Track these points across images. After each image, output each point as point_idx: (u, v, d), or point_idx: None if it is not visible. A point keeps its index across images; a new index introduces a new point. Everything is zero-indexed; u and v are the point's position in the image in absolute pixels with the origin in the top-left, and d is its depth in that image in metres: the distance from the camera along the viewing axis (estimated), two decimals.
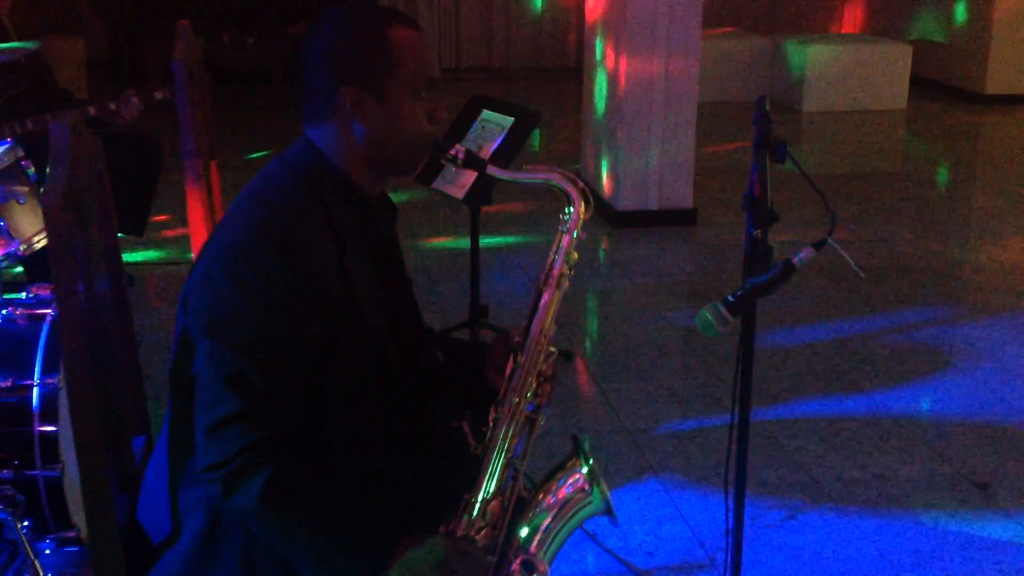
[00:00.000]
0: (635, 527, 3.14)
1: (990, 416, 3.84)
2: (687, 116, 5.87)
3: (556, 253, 1.92)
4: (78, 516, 2.75)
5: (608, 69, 6.00)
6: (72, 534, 2.79)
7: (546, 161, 7.37)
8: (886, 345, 4.49)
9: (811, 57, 9.25)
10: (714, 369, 4.19)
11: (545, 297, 1.92)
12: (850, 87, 9.31)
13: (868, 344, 4.49)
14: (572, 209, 1.92)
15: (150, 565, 1.89)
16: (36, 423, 2.69)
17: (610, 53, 5.95)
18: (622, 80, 5.76)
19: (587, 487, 1.91)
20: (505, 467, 1.86)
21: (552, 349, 1.93)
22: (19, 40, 3.96)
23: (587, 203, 1.91)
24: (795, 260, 1.96)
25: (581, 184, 1.92)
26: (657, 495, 3.31)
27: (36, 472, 2.69)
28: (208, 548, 1.82)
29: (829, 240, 1.98)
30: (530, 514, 1.91)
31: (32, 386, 2.69)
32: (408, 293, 2.03)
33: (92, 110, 4.24)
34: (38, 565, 2.68)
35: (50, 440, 2.70)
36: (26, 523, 2.68)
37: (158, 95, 4.26)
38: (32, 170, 3.22)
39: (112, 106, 4.20)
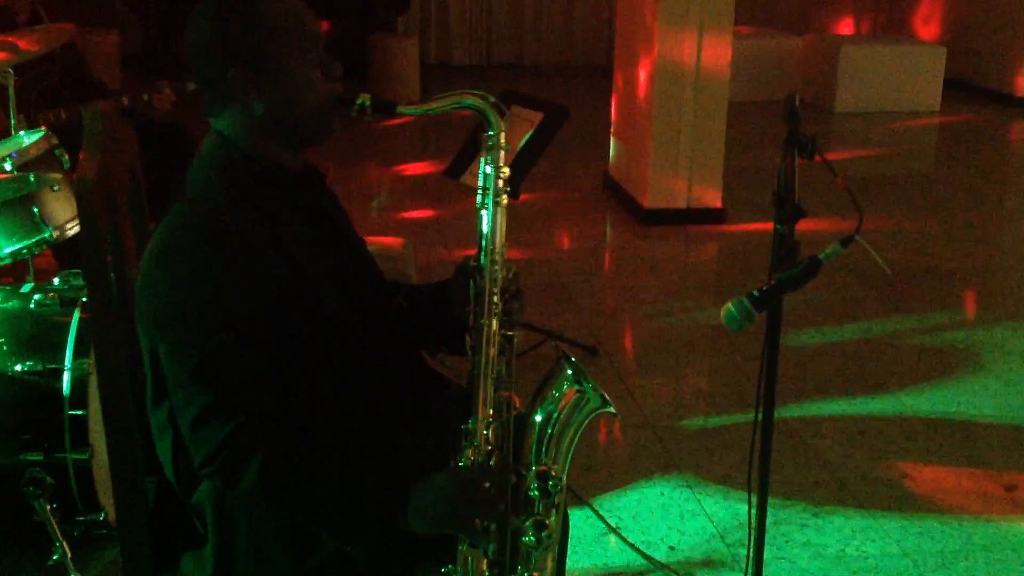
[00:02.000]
0: (658, 522, 3.14)
1: (1018, 418, 3.82)
2: (717, 115, 5.86)
3: (487, 169, 1.89)
4: (106, 499, 2.79)
5: (638, 67, 6.00)
6: (100, 517, 2.82)
7: (574, 158, 7.38)
8: (914, 346, 4.47)
9: (844, 57, 9.19)
10: (740, 366, 4.18)
11: (488, 215, 1.89)
12: (883, 88, 9.25)
13: (896, 344, 4.47)
14: (491, 129, 1.88)
15: (181, 553, 1.92)
16: (66, 407, 2.73)
17: (641, 51, 5.94)
18: (652, 78, 5.76)
19: (578, 386, 1.93)
20: (495, 390, 1.85)
21: (510, 266, 1.92)
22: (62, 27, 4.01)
23: (502, 114, 1.89)
24: (821, 256, 1.95)
25: (492, 98, 1.90)
26: (681, 491, 3.31)
27: (66, 455, 2.73)
28: (222, 541, 1.85)
29: (856, 237, 1.97)
30: (533, 427, 1.92)
31: (63, 370, 2.73)
32: (359, 253, 2.02)
33: (126, 100, 4.29)
34: (66, 547, 2.71)
35: (80, 424, 2.74)
36: (55, 505, 2.72)
37: (190, 86, 4.30)
38: (66, 158, 3.26)
39: (145, 96, 4.24)
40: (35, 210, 2.99)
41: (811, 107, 9.39)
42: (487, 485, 1.74)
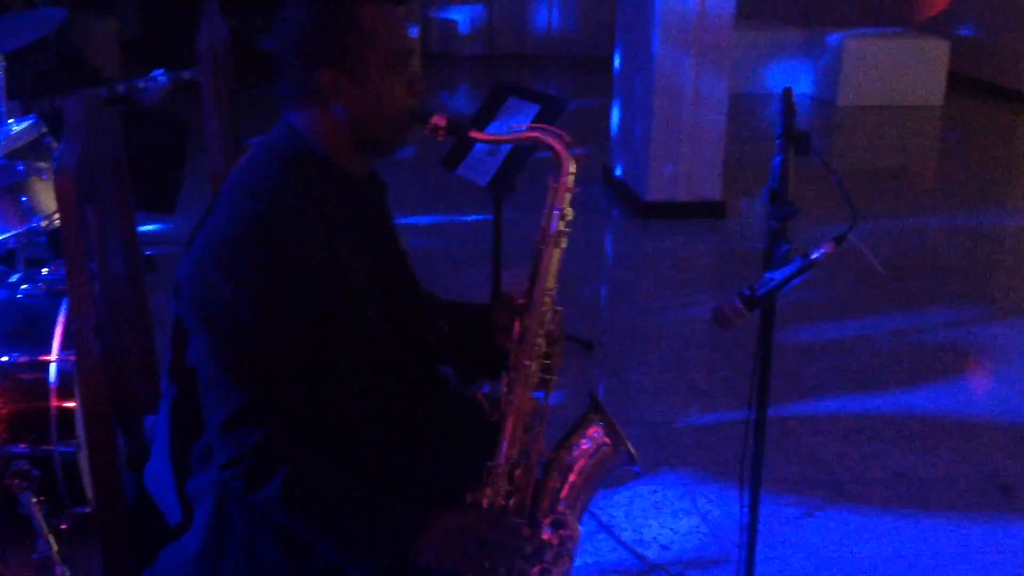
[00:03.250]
0: (650, 520, 3.11)
1: (1016, 418, 3.78)
2: (718, 107, 5.81)
3: (551, 211, 1.89)
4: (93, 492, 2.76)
5: (639, 59, 5.95)
6: (87, 510, 2.80)
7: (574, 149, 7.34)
8: (913, 343, 4.43)
9: (848, 50, 9.14)
10: (737, 363, 4.14)
11: (544, 256, 1.88)
12: (887, 82, 9.19)
13: (895, 342, 4.43)
14: (562, 167, 1.88)
15: (162, 546, 1.90)
16: (53, 399, 2.70)
17: (641, 42, 5.90)
18: (653, 70, 5.71)
19: (607, 440, 1.90)
20: (524, 431, 1.84)
21: (557, 308, 1.91)
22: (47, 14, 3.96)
23: (575, 158, 1.88)
24: (814, 255, 1.92)
25: (567, 138, 1.89)
26: (674, 488, 3.28)
27: (52, 447, 2.70)
28: (214, 534, 1.82)
29: (849, 236, 1.94)
30: (555, 474, 1.90)
31: (50, 362, 2.70)
32: (403, 268, 2.01)
33: (121, 88, 4.26)
34: (52, 540, 2.69)
35: (67, 416, 2.71)
36: (41, 498, 2.70)
37: (186, 75, 4.27)
38: (56, 146, 3.23)
39: (141, 85, 4.21)
40: (23, 199, 2.95)
41: (813, 100, 9.34)
42: (501, 530, 1.73)
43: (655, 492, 3.25)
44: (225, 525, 1.81)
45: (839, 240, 1.92)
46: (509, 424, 1.83)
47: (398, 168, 6.85)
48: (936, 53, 9.27)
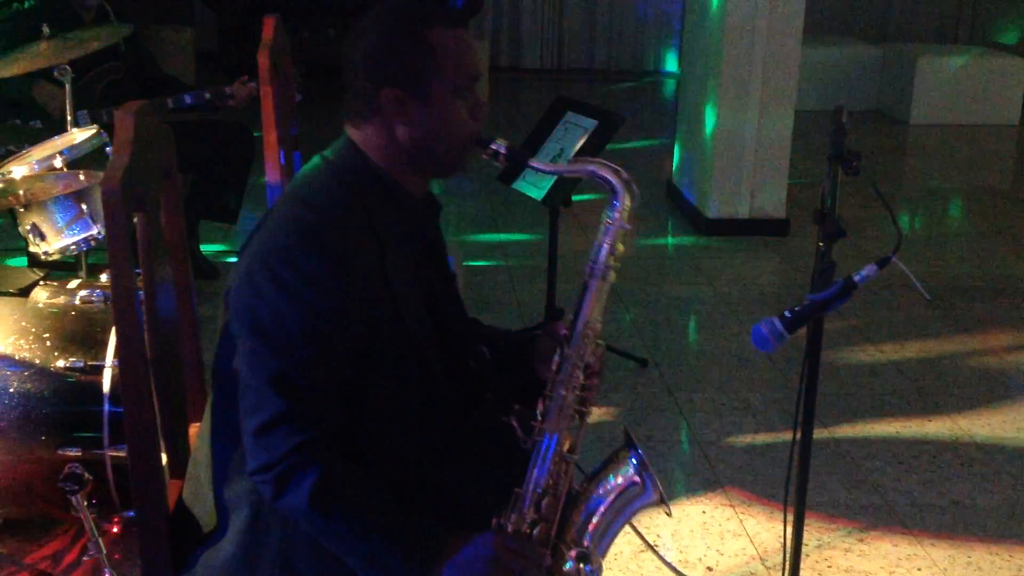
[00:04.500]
0: (697, 540, 3.08)
1: None
2: (783, 123, 5.75)
3: (601, 245, 1.88)
4: None
5: (705, 73, 5.92)
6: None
7: (639, 164, 7.31)
8: (975, 368, 4.33)
9: (921, 67, 8.99)
10: (792, 383, 4.06)
11: (591, 289, 1.88)
12: (961, 100, 9.02)
13: (957, 366, 4.34)
14: (617, 201, 1.87)
15: (193, 553, 1.91)
16: (106, 404, 2.75)
17: (707, 58, 5.87)
18: (717, 86, 5.68)
19: (639, 478, 1.89)
20: (556, 460, 1.84)
21: (600, 342, 1.90)
22: (120, 26, 4.05)
23: (631, 194, 1.87)
24: (856, 278, 1.89)
25: (625, 175, 1.88)
26: (722, 509, 3.24)
27: (104, 452, 2.75)
28: (250, 542, 1.83)
29: (897, 261, 1.91)
30: (583, 507, 1.89)
31: (103, 367, 2.75)
32: (451, 290, 2.02)
33: (188, 99, 4.34)
34: (102, 543, 2.73)
35: (119, 421, 2.76)
36: (92, 501, 2.74)
37: (252, 85, 4.34)
38: None
39: (227, 90, 4.30)
40: (84, 207, 3.02)
41: (886, 117, 9.20)
42: (523, 557, 1.72)
43: (703, 512, 3.22)
44: (262, 537, 1.82)
45: (883, 263, 1.89)
46: (540, 452, 1.83)
47: (454, 183, 6.89)
48: (1013, 71, 9.08)
